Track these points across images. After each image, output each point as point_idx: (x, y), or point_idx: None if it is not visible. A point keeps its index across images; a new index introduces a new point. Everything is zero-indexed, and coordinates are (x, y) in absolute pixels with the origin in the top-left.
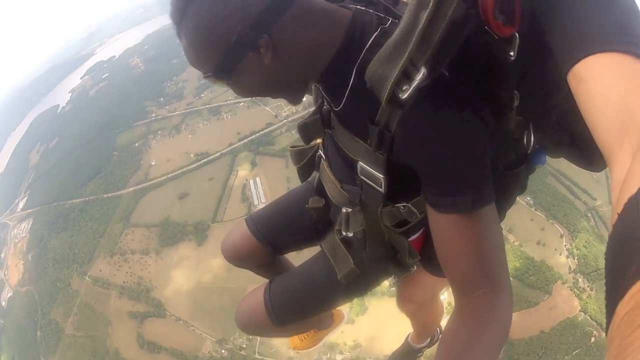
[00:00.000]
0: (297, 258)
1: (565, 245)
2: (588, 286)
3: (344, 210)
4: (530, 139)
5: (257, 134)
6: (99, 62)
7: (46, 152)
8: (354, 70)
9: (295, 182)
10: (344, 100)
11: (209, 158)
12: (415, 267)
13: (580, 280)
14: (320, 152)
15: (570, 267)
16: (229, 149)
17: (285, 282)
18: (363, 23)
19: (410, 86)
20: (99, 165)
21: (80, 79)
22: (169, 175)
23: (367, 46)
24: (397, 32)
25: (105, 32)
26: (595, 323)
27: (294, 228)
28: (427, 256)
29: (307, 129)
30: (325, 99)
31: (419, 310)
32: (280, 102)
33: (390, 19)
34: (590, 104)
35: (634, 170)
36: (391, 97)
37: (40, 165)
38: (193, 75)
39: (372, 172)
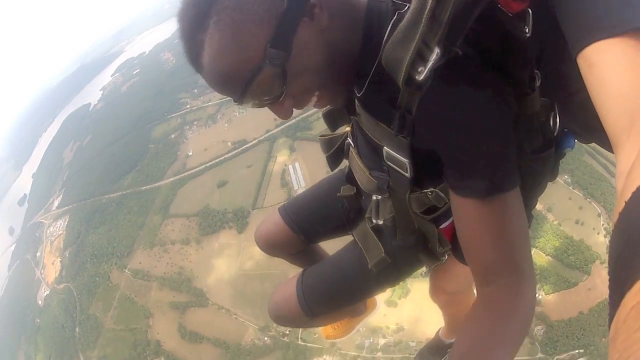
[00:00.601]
0: (332, 246)
1: (602, 225)
2: None
3: (374, 197)
4: (557, 121)
5: (294, 120)
6: (129, 59)
7: (80, 149)
8: (376, 62)
9: None
10: (365, 86)
11: (247, 146)
12: (447, 257)
13: None
14: (349, 140)
15: (608, 247)
16: (266, 135)
17: (317, 273)
18: (380, 9)
19: (425, 67)
20: (135, 159)
21: (111, 76)
22: (207, 165)
23: (385, 36)
24: (408, 14)
25: (134, 30)
26: None
27: (326, 217)
28: (458, 245)
29: (332, 116)
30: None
31: (451, 301)
32: None
33: (407, 5)
34: (600, 91)
35: None
36: (407, 79)
37: (74, 162)
38: None
39: (397, 157)
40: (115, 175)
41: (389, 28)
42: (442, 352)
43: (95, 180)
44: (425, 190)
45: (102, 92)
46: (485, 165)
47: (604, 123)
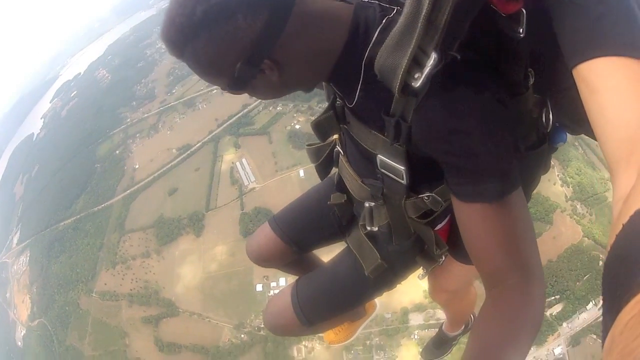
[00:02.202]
0: (326, 251)
1: (558, 175)
2: (587, 212)
3: (366, 204)
4: (549, 117)
5: (235, 117)
6: (66, 83)
7: (30, 181)
8: (362, 66)
9: (283, 157)
10: (356, 96)
11: (192, 149)
12: (444, 258)
13: (578, 206)
14: (338, 148)
15: (566, 195)
16: (209, 136)
17: (312, 281)
18: (366, 17)
19: (422, 73)
20: (83, 181)
21: (50, 102)
22: (155, 175)
23: (372, 40)
24: (402, 19)
25: (67, 53)
26: (600, 247)
27: (318, 226)
28: (456, 245)
29: (321, 127)
30: (338, 95)
31: (452, 299)
32: None
33: (396, 8)
34: (601, 118)
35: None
36: (404, 87)
37: (27, 195)
38: (162, 73)
39: (392, 165)
40: (67, 201)
41: (375, 34)
42: (447, 346)
43: (49, 209)
44: (421, 195)
45: (43, 120)
46: (488, 170)
47: (602, 149)
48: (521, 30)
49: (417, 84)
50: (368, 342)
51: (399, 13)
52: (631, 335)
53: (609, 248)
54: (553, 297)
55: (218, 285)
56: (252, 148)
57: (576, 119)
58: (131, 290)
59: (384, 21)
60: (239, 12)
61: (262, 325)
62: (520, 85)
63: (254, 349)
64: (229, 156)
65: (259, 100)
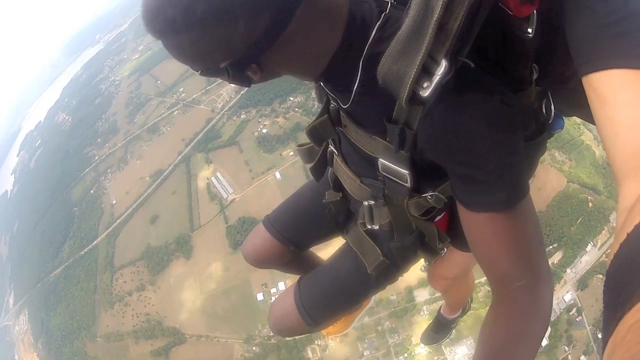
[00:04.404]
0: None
1: None
2: (566, 157)
3: (365, 203)
4: (551, 108)
5: (201, 133)
6: (28, 134)
7: (12, 239)
8: (360, 65)
9: (256, 163)
10: (352, 98)
11: (165, 174)
12: (446, 249)
13: (556, 154)
14: (332, 148)
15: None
16: (180, 157)
17: (314, 282)
18: (362, 13)
19: (431, 82)
20: (65, 228)
21: (17, 157)
22: (134, 206)
23: (370, 38)
24: (408, 22)
25: (25, 103)
26: (586, 189)
27: (314, 224)
28: (456, 234)
29: (317, 132)
30: (331, 97)
31: (451, 285)
32: (212, 96)
33: (390, 2)
34: (611, 130)
35: None
36: (411, 97)
37: (12, 254)
38: (120, 105)
39: (395, 169)
40: (52, 251)
41: (373, 32)
42: (446, 329)
43: (37, 263)
44: (424, 195)
45: (13, 175)
46: (498, 180)
47: (610, 160)
48: (530, 31)
49: (425, 93)
50: (379, 328)
51: (395, 7)
52: (633, 340)
53: (612, 257)
54: (551, 246)
55: (219, 303)
56: (224, 161)
57: (574, 106)
58: (134, 326)
59: (381, 17)
60: (241, 17)
61: (272, 334)
62: (525, 81)
63: (268, 359)
64: (203, 173)
65: (221, 112)
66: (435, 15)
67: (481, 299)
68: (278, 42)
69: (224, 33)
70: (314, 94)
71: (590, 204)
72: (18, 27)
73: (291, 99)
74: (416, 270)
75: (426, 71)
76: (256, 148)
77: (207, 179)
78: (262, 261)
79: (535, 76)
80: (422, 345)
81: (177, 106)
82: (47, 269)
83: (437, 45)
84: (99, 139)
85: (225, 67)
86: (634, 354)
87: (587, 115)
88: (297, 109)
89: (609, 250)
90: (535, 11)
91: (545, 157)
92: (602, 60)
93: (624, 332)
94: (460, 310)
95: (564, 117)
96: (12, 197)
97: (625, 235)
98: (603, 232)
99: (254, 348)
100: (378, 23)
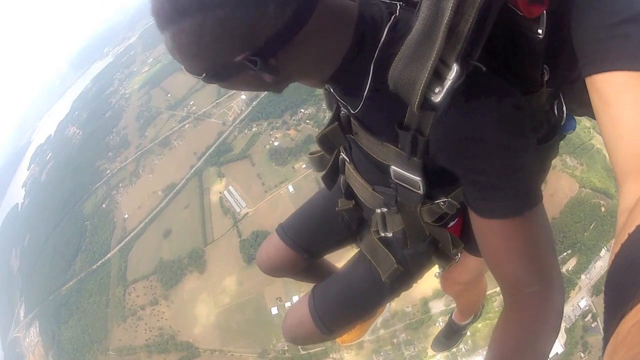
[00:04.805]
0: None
1: None
2: (578, 162)
3: (378, 211)
4: (562, 109)
5: (213, 147)
6: (39, 147)
7: (23, 252)
8: (371, 69)
9: (268, 177)
10: (362, 103)
11: (177, 188)
12: (460, 255)
13: (568, 160)
14: (343, 155)
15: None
16: (192, 171)
17: (328, 290)
18: (372, 15)
19: (443, 87)
20: (77, 241)
21: (27, 170)
22: (146, 220)
23: (381, 41)
24: (418, 25)
25: (34, 117)
26: (599, 193)
27: (327, 232)
28: (469, 239)
29: (327, 140)
30: (341, 103)
31: (464, 290)
32: (223, 109)
33: (398, 4)
34: (613, 132)
35: None
36: (423, 103)
37: (23, 267)
38: (131, 119)
39: (408, 176)
40: (64, 264)
41: (384, 34)
42: (457, 336)
43: (49, 276)
44: (437, 201)
45: (24, 188)
46: (511, 185)
47: (612, 161)
48: (540, 32)
49: (437, 98)
50: (395, 340)
51: (404, 9)
52: (634, 340)
53: (613, 257)
54: (565, 253)
55: (233, 317)
56: (236, 174)
57: (583, 104)
58: (147, 340)
59: (392, 19)
60: (272, 1)
61: (287, 348)
62: (537, 83)
63: None
64: (215, 187)
65: (232, 125)
66: (446, 18)
67: (496, 309)
68: (299, 35)
69: (253, 16)
70: (324, 105)
71: (603, 209)
72: (26, 41)
73: (302, 110)
74: (431, 281)
75: (437, 76)
76: (268, 161)
77: (220, 192)
78: (276, 269)
79: (546, 77)
80: (438, 357)
81: (188, 119)
82: (58, 282)
83: (448, 49)
84: (110, 153)
85: (242, 61)
86: (635, 354)
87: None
88: (308, 121)
89: None
90: (545, 12)
91: (557, 163)
92: (605, 61)
93: (625, 333)
94: (472, 317)
95: (575, 118)
96: (23, 210)
97: (626, 236)
98: None
99: None
100: (389, 25)
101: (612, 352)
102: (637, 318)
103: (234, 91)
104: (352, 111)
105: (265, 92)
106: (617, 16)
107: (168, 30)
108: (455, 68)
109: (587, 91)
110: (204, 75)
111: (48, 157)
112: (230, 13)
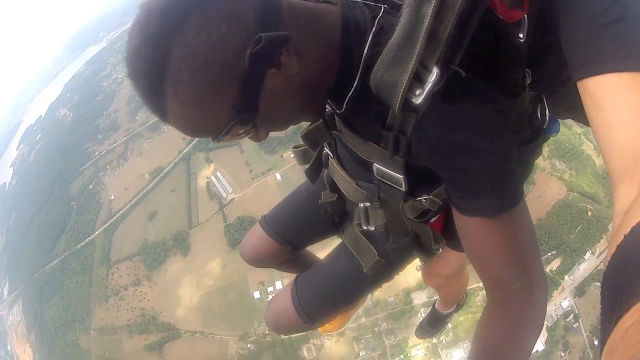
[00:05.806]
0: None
1: None
2: (567, 167)
3: (361, 204)
4: (545, 112)
5: None
6: (29, 127)
7: (9, 231)
8: (359, 72)
9: (256, 164)
10: (345, 103)
11: (165, 172)
12: (441, 250)
13: (557, 163)
14: (327, 150)
15: (543, 155)
16: (180, 156)
17: (311, 280)
18: (355, 18)
19: (423, 90)
20: (62, 221)
21: (17, 150)
22: (132, 202)
23: (366, 47)
24: (399, 30)
25: (26, 98)
26: (586, 198)
27: (310, 223)
28: (451, 234)
29: (311, 137)
30: (327, 102)
31: (445, 283)
32: None
33: (382, 6)
34: (607, 135)
35: None
36: (404, 104)
37: (9, 245)
38: (122, 103)
39: (390, 174)
40: (49, 243)
41: (369, 39)
42: (440, 324)
43: (33, 255)
44: (419, 198)
45: (12, 168)
46: (492, 185)
47: (606, 164)
48: (521, 36)
49: (418, 100)
50: (376, 329)
51: (387, 12)
52: (631, 341)
53: (609, 258)
54: (550, 253)
55: (215, 299)
56: (224, 160)
57: (569, 108)
58: (128, 320)
59: (376, 22)
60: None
61: (268, 332)
62: (519, 86)
63: (263, 356)
64: (203, 172)
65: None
66: (426, 23)
67: (478, 303)
68: (272, 67)
69: (225, 62)
70: None
71: (590, 213)
72: (21, 23)
73: None
74: (414, 273)
75: (418, 79)
76: (257, 149)
77: (207, 178)
78: (259, 260)
79: (528, 81)
80: (418, 347)
81: None
82: (43, 261)
83: (429, 53)
84: (99, 135)
85: (252, 60)
86: (632, 354)
87: (582, 117)
88: None
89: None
90: (525, 16)
91: (546, 165)
92: (596, 64)
93: (622, 333)
94: (455, 306)
95: (559, 120)
96: (10, 190)
97: (622, 237)
98: (602, 240)
99: (249, 345)
100: (373, 30)
101: (609, 353)
102: (634, 319)
103: None
104: (337, 111)
105: None
106: (604, 17)
107: (167, 120)
108: (435, 71)
109: (574, 95)
110: (215, 138)
111: (37, 138)
112: (193, 86)
